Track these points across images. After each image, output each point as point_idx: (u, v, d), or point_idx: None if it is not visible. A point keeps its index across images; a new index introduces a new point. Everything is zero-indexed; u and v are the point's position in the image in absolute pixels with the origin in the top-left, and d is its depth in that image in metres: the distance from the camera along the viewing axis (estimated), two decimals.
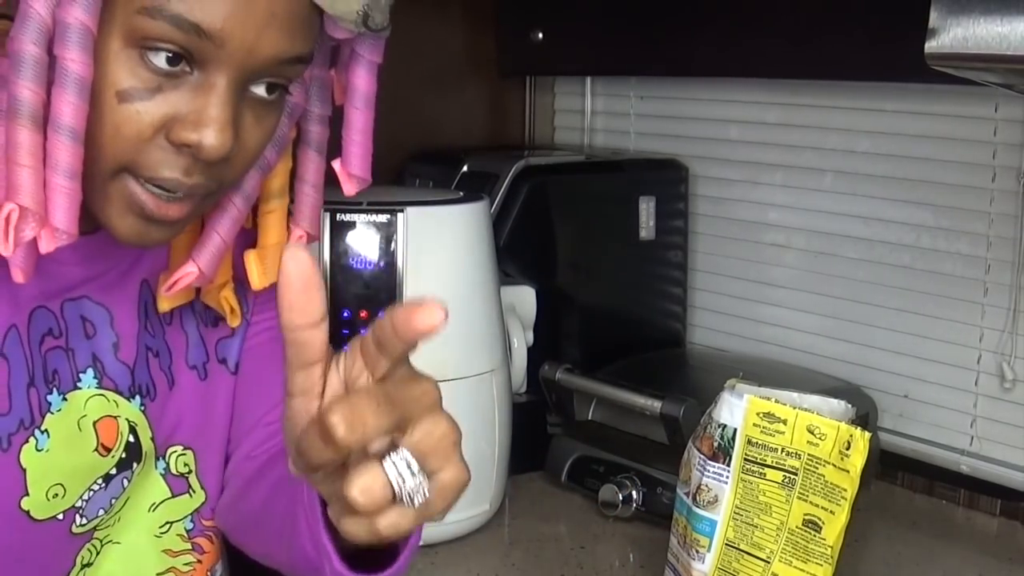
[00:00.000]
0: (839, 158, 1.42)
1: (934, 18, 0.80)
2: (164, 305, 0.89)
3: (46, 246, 0.72)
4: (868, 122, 1.39)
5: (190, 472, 0.93)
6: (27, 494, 0.81)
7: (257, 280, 0.89)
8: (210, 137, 0.73)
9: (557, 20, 1.63)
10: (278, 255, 0.89)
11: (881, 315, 1.40)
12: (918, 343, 1.37)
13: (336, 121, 0.90)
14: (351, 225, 1.13)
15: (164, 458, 0.91)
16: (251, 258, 0.89)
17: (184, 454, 0.93)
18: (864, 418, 1.31)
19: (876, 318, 1.41)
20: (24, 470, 0.81)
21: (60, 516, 0.84)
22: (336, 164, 0.88)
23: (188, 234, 0.87)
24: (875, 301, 1.41)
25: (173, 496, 0.93)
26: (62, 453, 0.83)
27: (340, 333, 1.13)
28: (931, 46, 0.80)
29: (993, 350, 1.30)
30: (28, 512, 0.82)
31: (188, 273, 0.84)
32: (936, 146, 1.33)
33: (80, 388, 0.85)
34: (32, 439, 0.81)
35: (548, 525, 1.26)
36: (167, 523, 0.93)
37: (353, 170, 0.88)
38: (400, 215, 1.13)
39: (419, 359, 1.16)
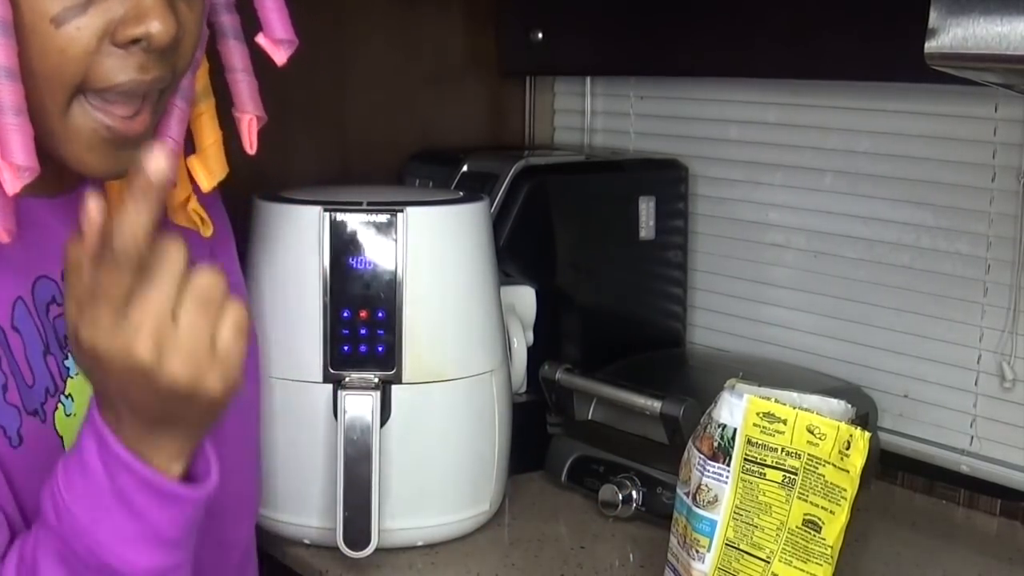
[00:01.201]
0: (839, 158, 1.42)
1: (934, 18, 0.80)
2: None
3: (12, 186, 0.74)
4: (868, 122, 1.39)
5: None
6: None
7: (205, 181, 0.91)
8: (155, 26, 0.74)
9: (557, 20, 1.63)
10: (219, 153, 0.92)
11: (881, 315, 1.40)
12: (918, 343, 1.37)
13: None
14: (351, 225, 1.13)
15: None
16: (194, 163, 0.91)
17: None
18: (864, 418, 1.31)
19: (876, 318, 1.41)
20: (61, 438, 0.83)
21: None
22: (260, 39, 0.88)
23: (122, 182, 0.88)
24: (875, 301, 1.41)
25: None
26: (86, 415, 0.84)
27: (340, 333, 1.13)
28: (931, 46, 0.80)
29: (993, 350, 1.30)
30: None
31: None
32: (936, 146, 1.33)
33: None
34: (60, 405, 0.83)
35: (548, 525, 1.26)
36: None
37: (277, 35, 0.88)
38: (400, 215, 1.13)
39: (420, 358, 1.17)
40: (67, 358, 0.85)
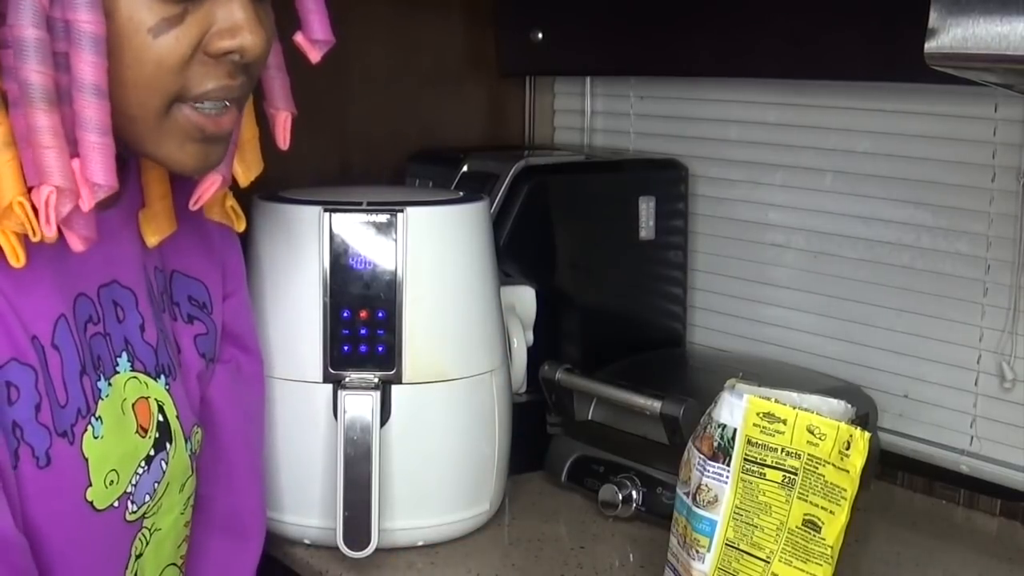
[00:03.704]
0: (839, 158, 1.42)
1: (934, 18, 0.80)
2: (153, 239, 0.92)
3: (87, 203, 0.75)
4: (868, 122, 1.39)
5: (199, 446, 0.98)
6: (91, 484, 0.83)
7: (242, 176, 0.94)
8: (248, 39, 0.78)
9: (557, 20, 1.63)
10: (255, 149, 0.95)
11: (881, 315, 1.40)
12: (918, 343, 1.37)
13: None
14: (351, 225, 1.13)
15: (191, 439, 0.94)
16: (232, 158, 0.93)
17: (197, 432, 0.97)
18: (864, 418, 1.31)
19: (876, 318, 1.41)
20: (87, 460, 0.82)
21: (115, 504, 0.86)
22: (298, 37, 0.91)
23: (158, 178, 0.91)
24: (875, 301, 1.41)
25: (192, 473, 0.96)
26: (113, 438, 0.85)
27: (340, 333, 1.13)
28: (931, 46, 0.80)
29: (993, 350, 1.30)
30: (92, 503, 0.83)
31: (214, 181, 0.89)
32: (936, 146, 1.33)
33: (119, 372, 0.87)
34: (89, 427, 0.83)
35: (548, 525, 1.26)
36: (188, 498, 0.97)
37: (316, 35, 0.91)
38: (400, 215, 1.13)
39: (419, 358, 1.17)
40: (100, 379, 0.84)
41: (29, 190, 0.75)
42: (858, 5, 1.27)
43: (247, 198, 1.19)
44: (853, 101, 1.39)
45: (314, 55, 0.91)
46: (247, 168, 0.95)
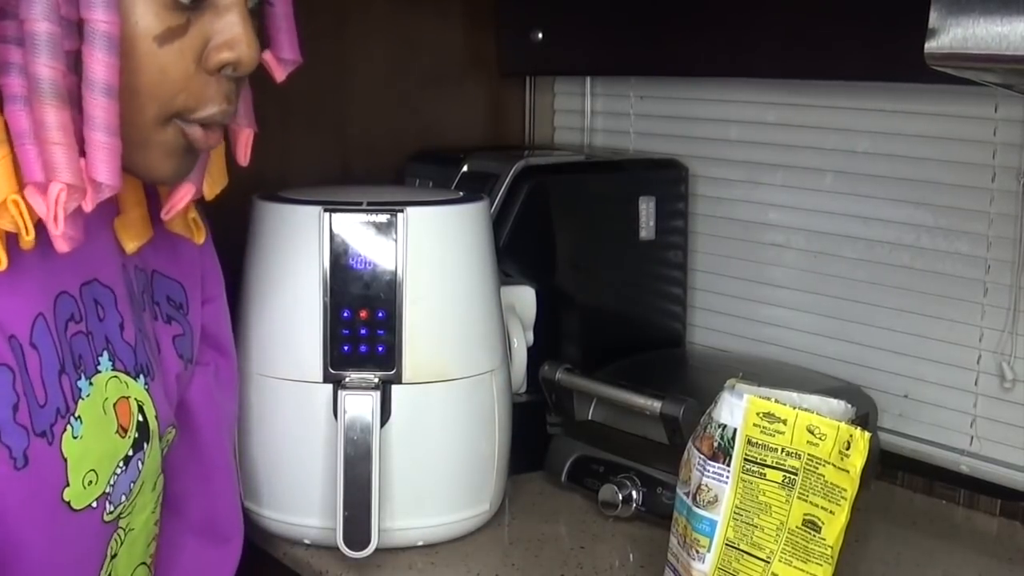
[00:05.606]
0: (839, 158, 1.42)
1: (934, 18, 0.80)
2: (131, 245, 0.92)
3: (89, 203, 0.75)
4: (868, 122, 1.39)
5: (168, 446, 0.98)
6: (68, 484, 0.83)
7: (208, 190, 0.94)
8: (245, 52, 0.78)
9: (557, 20, 1.63)
10: (220, 162, 0.95)
11: (881, 315, 1.40)
12: (918, 343, 1.37)
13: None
14: (351, 225, 1.13)
15: (163, 439, 0.94)
16: None
17: (170, 432, 0.97)
18: (864, 418, 1.31)
19: (876, 318, 1.41)
20: (65, 460, 0.82)
21: (94, 504, 0.85)
22: (265, 55, 0.90)
23: (132, 185, 0.91)
24: (875, 301, 1.41)
25: (161, 472, 0.96)
26: (93, 438, 0.84)
27: (340, 333, 1.13)
28: (931, 46, 0.80)
29: (993, 350, 1.30)
30: (69, 503, 0.83)
31: (187, 191, 0.89)
32: (936, 146, 1.33)
33: (100, 371, 0.87)
34: (69, 427, 0.82)
35: (548, 525, 1.26)
36: (158, 497, 0.97)
37: (284, 54, 0.91)
38: (400, 215, 1.13)
39: (419, 358, 1.17)
40: (80, 378, 0.84)
41: (21, 188, 0.74)
42: (858, 5, 1.27)
43: (247, 198, 1.19)
44: (853, 101, 1.39)
45: (279, 73, 0.91)
46: (213, 181, 0.94)
